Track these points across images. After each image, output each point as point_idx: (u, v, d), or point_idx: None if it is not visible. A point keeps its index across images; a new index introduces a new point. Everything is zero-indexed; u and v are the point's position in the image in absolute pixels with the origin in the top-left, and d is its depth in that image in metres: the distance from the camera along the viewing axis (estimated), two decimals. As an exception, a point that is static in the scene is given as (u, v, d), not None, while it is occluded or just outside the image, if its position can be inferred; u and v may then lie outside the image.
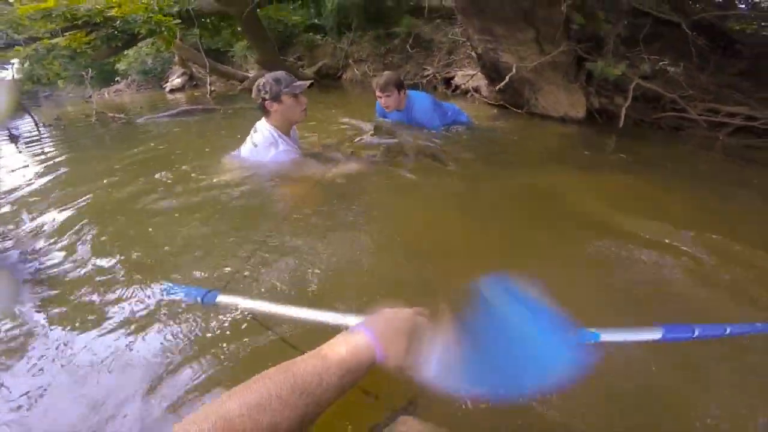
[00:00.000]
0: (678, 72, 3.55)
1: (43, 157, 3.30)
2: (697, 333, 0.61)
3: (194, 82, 8.73)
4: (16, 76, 5.11)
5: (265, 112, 1.93)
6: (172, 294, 0.91)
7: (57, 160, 3.06)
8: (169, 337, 0.94)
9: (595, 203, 1.77)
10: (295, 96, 1.88)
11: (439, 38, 6.78)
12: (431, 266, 1.28)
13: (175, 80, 8.56)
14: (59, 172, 2.63)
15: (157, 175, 2.15)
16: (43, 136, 4.37)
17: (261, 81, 1.89)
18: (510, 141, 2.99)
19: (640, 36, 3.50)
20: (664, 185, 2.05)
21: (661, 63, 3.54)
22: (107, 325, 1.02)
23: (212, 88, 5.86)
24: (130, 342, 0.96)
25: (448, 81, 5.81)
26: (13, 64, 4.88)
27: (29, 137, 4.27)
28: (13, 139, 3.93)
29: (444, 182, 2.02)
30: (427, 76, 6.17)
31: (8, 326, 1.08)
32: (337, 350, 0.59)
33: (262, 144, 1.94)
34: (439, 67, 6.18)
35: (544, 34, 3.26)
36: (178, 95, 7.97)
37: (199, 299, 0.84)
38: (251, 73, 8.36)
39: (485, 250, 1.41)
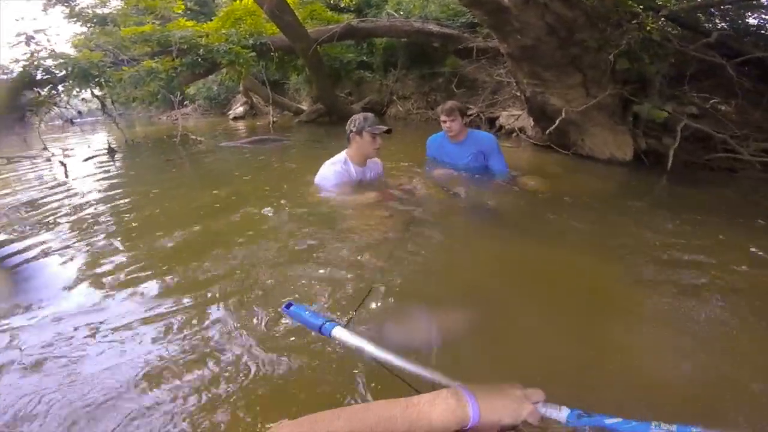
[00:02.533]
0: (729, 110, 3.56)
1: (134, 172, 3.80)
2: None
3: (254, 112, 9.57)
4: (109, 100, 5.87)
5: (348, 141, 2.33)
6: (294, 314, 0.89)
7: (150, 177, 3.51)
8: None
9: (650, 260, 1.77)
10: (373, 135, 2.27)
11: (483, 78, 7.10)
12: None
13: (238, 108, 9.44)
14: (155, 190, 3.05)
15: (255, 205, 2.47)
16: (132, 151, 4.99)
17: (355, 116, 2.31)
18: (556, 189, 2.87)
19: (687, 74, 3.59)
20: (715, 236, 2.02)
21: (711, 101, 3.57)
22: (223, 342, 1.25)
23: (274, 119, 6.44)
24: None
25: (492, 121, 5.99)
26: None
27: (122, 152, 4.89)
28: (111, 152, 4.55)
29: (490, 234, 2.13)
30: (471, 115, 6.35)
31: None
32: (432, 414, 0.60)
33: (330, 161, 2.38)
34: (483, 106, 6.39)
35: (591, 78, 3.48)
36: (240, 123, 8.76)
37: (316, 328, 0.84)
38: (304, 106, 9.09)
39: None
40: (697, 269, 1.68)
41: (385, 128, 2.29)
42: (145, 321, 1.36)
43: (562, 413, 0.65)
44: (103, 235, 2.15)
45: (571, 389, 1.02)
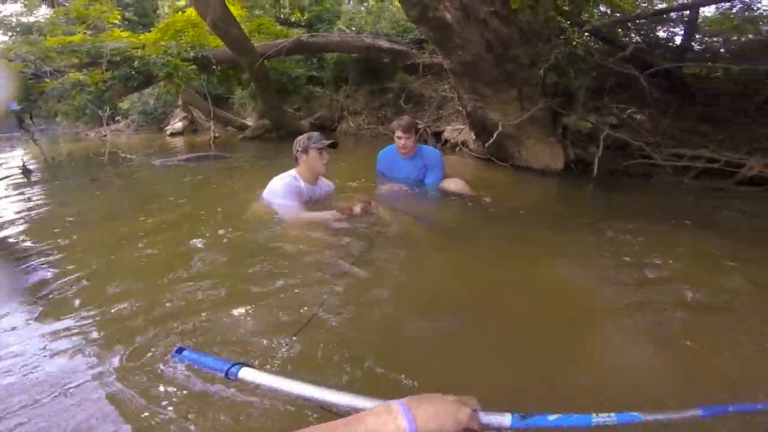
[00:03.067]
0: (644, 119, 3.99)
1: (52, 194, 3.41)
2: (731, 410, 0.69)
3: (194, 127, 9.09)
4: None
5: (296, 161, 2.34)
6: (191, 359, 0.84)
7: (69, 199, 3.17)
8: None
9: (566, 268, 1.92)
10: (319, 151, 2.27)
11: (429, 93, 7.38)
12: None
13: (177, 124, 8.92)
14: (72, 211, 2.77)
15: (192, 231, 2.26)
16: (52, 172, 4.50)
17: (299, 137, 2.33)
18: (495, 197, 2.98)
19: (606, 88, 3.98)
20: (653, 236, 2.23)
21: (628, 111, 3.99)
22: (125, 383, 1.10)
23: (216, 135, 6.18)
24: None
25: (437, 135, 6.23)
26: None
27: (40, 172, 4.39)
28: (26, 173, 4.07)
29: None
30: (419, 130, 6.59)
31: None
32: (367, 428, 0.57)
33: (280, 175, 2.33)
34: (429, 121, 6.64)
35: (524, 93, 3.74)
36: (178, 139, 8.25)
37: (222, 372, 0.79)
38: (249, 121, 8.80)
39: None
40: (639, 268, 1.83)
41: (329, 142, 2.29)
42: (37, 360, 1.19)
43: (505, 419, 0.64)
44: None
45: (528, 395, 1.04)
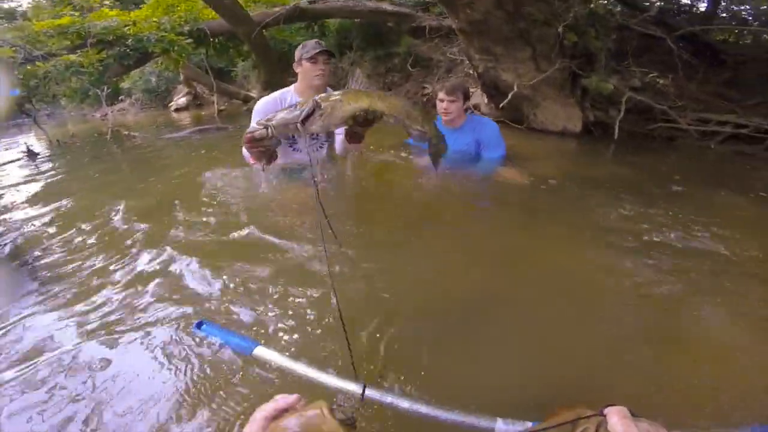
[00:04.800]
0: (667, 83, 3.75)
1: (62, 176, 3.40)
2: None
3: (198, 102, 8.97)
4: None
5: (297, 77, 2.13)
6: (208, 333, 0.84)
7: (76, 180, 3.16)
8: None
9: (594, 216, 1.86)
10: (311, 60, 2.01)
11: (438, 57, 7.04)
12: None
13: (180, 99, 8.81)
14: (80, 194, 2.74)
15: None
16: (57, 153, 4.49)
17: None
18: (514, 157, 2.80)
19: (629, 50, 3.72)
20: (659, 194, 2.16)
21: (650, 75, 3.74)
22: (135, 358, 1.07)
23: (221, 108, 6.07)
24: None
25: (447, 99, 6.02)
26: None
27: (47, 156, 4.37)
28: (32, 156, 4.06)
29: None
30: (427, 94, 6.38)
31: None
32: None
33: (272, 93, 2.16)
34: (440, 86, 6.38)
35: (540, 52, 3.48)
36: (183, 114, 8.17)
37: (233, 347, 0.79)
38: (254, 93, 8.60)
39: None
40: (686, 234, 1.71)
41: (320, 48, 2.01)
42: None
43: None
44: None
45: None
